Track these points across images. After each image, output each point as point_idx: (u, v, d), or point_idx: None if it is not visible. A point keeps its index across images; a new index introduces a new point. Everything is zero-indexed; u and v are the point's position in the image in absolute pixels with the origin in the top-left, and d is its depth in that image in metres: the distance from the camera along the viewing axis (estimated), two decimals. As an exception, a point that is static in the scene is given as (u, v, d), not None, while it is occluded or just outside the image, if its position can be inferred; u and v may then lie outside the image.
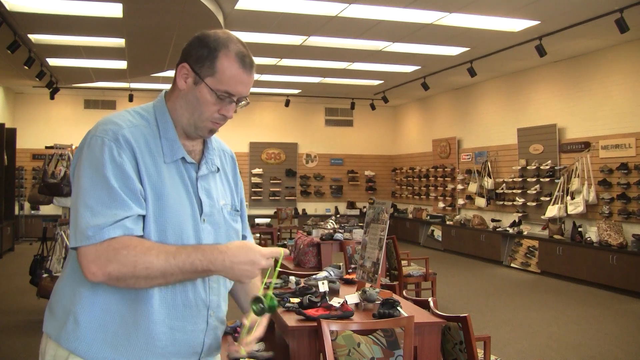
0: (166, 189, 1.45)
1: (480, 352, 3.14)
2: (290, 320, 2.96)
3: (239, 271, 1.38)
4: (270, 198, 14.23)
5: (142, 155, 1.43)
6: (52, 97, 11.11)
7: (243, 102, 1.53)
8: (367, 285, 3.47)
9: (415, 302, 3.34)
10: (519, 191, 9.95)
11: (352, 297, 3.26)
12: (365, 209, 14.10)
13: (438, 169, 12.77)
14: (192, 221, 1.49)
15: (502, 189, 10.41)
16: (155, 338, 1.43)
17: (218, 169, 1.63)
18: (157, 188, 1.43)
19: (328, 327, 2.62)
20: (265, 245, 9.78)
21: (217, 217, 1.57)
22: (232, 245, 1.40)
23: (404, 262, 6.58)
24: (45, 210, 11.62)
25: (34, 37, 7.71)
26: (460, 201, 11.86)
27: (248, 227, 1.79)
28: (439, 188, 12.79)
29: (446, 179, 12.50)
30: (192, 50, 1.49)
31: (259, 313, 1.46)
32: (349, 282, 4.01)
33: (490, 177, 10.72)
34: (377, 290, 3.32)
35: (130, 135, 1.42)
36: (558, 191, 8.93)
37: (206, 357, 1.55)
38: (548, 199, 9.19)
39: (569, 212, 8.62)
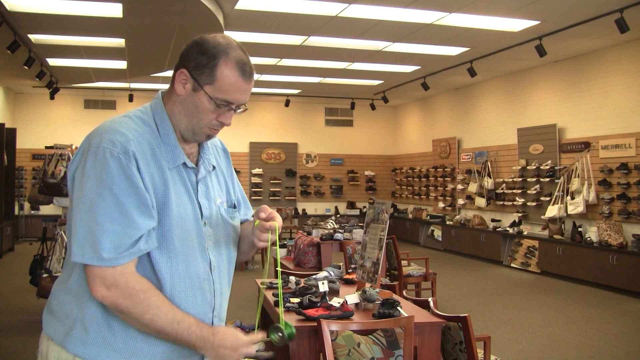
0: (171, 197, 1.45)
1: (480, 352, 3.14)
2: (290, 320, 2.95)
3: (222, 355, 1.45)
4: (270, 198, 14.22)
5: (148, 167, 1.42)
6: (52, 97, 11.11)
7: (241, 109, 1.53)
8: (367, 285, 3.47)
9: (415, 302, 3.34)
10: (519, 191, 9.95)
11: (352, 297, 3.26)
12: (365, 209, 14.10)
13: (438, 169, 12.76)
14: (195, 224, 1.51)
15: (502, 189, 10.40)
16: (159, 343, 1.45)
17: (214, 167, 1.65)
18: (164, 197, 1.44)
19: (328, 327, 2.62)
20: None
21: (215, 218, 1.59)
22: (221, 329, 1.48)
23: (404, 262, 6.57)
24: (45, 210, 11.62)
25: (34, 37, 7.71)
26: (460, 201, 11.85)
27: (250, 207, 1.81)
28: (439, 188, 12.79)
29: (446, 179, 12.49)
30: (191, 56, 1.46)
31: (279, 342, 1.55)
32: (349, 282, 4.01)
33: (490, 177, 10.72)
34: (377, 290, 3.32)
35: (138, 146, 1.41)
36: (558, 191, 8.93)
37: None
38: (548, 199, 9.19)
39: (569, 212, 8.62)
